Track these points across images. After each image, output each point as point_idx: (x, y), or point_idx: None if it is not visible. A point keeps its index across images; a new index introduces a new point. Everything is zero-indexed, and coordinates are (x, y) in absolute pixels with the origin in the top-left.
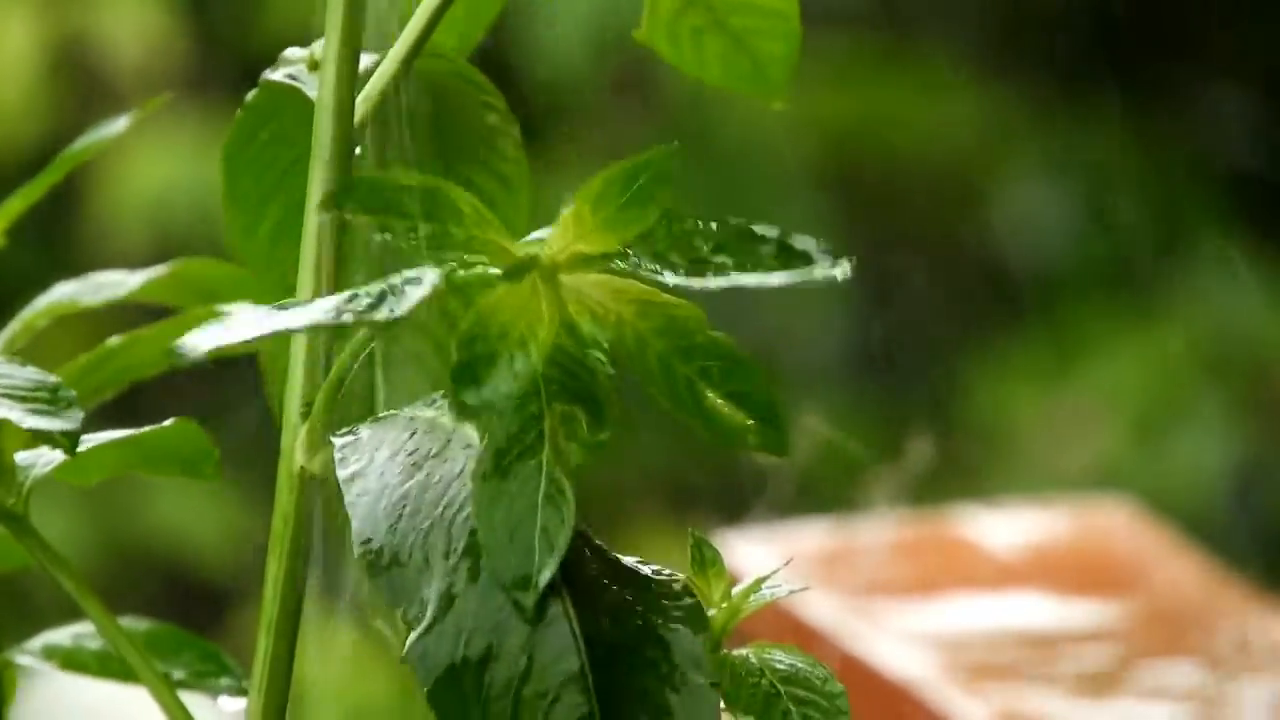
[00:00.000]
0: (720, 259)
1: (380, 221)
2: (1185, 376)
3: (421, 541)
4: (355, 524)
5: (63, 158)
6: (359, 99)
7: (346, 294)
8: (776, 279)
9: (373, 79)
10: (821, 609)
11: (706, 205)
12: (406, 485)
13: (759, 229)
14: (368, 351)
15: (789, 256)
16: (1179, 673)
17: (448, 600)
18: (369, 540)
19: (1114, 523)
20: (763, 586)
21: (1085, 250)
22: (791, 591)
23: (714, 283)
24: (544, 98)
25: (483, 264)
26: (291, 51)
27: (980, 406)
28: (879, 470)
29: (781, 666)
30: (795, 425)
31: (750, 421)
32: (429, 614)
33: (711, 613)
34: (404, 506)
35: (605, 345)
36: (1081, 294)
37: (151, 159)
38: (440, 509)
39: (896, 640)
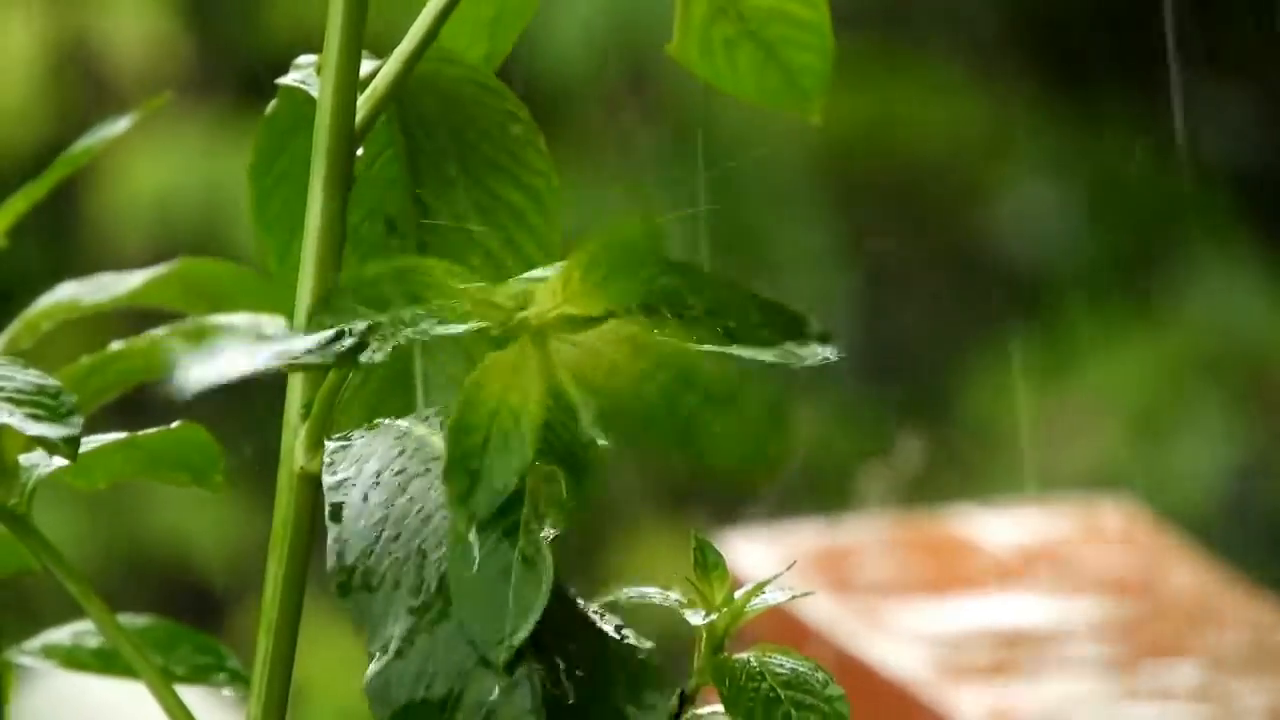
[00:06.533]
0: (712, 322)
1: (366, 321)
2: (1185, 376)
3: (395, 570)
4: (331, 537)
5: (64, 158)
6: (361, 99)
7: (332, 332)
8: (764, 355)
9: (377, 78)
10: (821, 609)
11: (708, 206)
12: (389, 508)
13: (757, 297)
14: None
15: (783, 329)
16: (1179, 673)
17: (413, 636)
18: (342, 557)
19: (1114, 523)
20: (765, 590)
21: (1085, 250)
22: (794, 596)
23: (701, 347)
24: (546, 99)
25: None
26: (304, 58)
27: (980, 406)
28: (879, 469)
29: (782, 670)
30: (794, 424)
31: (751, 449)
32: (393, 646)
33: (714, 616)
34: (382, 530)
35: (593, 411)
36: (1081, 294)
37: (155, 161)
38: (418, 541)
39: (896, 640)
